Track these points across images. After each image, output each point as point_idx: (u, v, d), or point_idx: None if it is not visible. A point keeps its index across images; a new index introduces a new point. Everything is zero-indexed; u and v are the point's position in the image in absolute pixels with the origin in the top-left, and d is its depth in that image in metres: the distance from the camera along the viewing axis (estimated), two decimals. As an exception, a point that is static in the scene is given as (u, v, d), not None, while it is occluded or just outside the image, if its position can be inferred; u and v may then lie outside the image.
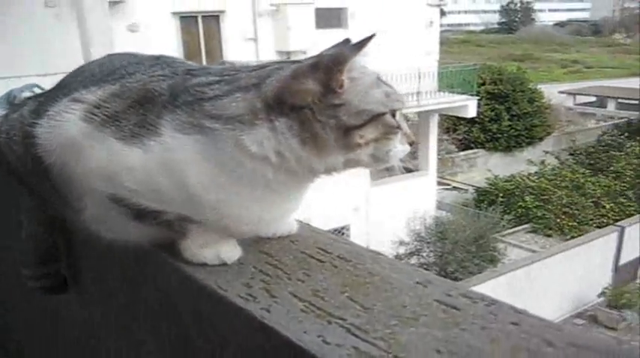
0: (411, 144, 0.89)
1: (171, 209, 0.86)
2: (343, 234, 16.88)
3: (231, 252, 0.90)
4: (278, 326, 0.71)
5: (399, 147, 0.86)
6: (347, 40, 0.84)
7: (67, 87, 0.99)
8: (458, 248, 14.60)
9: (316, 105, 0.80)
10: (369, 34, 0.82)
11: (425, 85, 17.46)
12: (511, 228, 17.87)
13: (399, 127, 0.85)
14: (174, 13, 14.83)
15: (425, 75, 17.38)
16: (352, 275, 0.83)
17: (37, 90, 2.72)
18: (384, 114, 0.83)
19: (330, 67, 0.80)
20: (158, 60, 0.99)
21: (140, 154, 0.83)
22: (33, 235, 1.22)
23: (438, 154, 20.81)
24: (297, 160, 0.82)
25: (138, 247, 0.95)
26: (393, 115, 0.85)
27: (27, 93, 2.95)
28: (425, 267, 15.29)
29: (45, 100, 1.00)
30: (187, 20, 15.20)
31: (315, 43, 16.17)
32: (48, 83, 1.20)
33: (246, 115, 0.80)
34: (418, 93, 17.33)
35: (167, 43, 14.47)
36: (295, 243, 0.96)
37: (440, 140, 22.12)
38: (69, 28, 11.67)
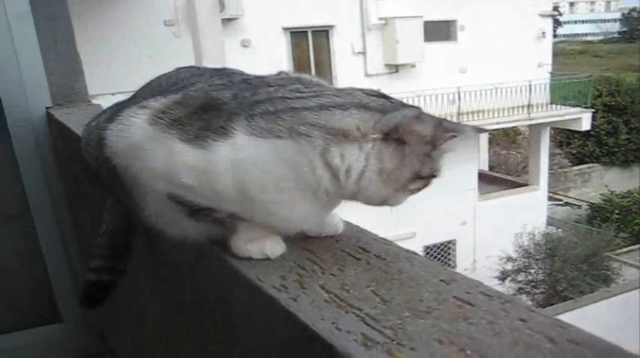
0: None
1: (223, 207, 0.94)
2: (449, 248, 16.65)
3: (275, 248, 0.97)
4: (299, 313, 0.76)
5: (402, 199, 0.97)
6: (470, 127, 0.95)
7: (137, 96, 1.09)
8: (568, 266, 14.02)
9: (414, 147, 0.90)
10: (486, 128, 0.93)
11: (536, 97, 17.05)
12: (626, 246, 17.03)
13: None
14: (284, 29, 15.27)
15: (536, 87, 16.97)
16: (382, 272, 0.87)
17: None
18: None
19: (447, 129, 0.92)
20: (219, 72, 1.08)
21: (203, 154, 0.90)
22: (110, 230, 1.34)
23: (550, 169, 20.17)
24: (356, 182, 0.90)
25: (196, 244, 1.04)
26: None
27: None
28: (533, 284, 14.81)
29: (118, 109, 1.11)
30: (297, 35, 15.59)
31: (423, 56, 16.18)
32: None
33: (353, 131, 0.89)
34: (529, 106, 16.95)
35: (277, 57, 14.91)
36: (339, 242, 1.01)
37: (552, 154, 21.44)
38: (185, 44, 12.27)
